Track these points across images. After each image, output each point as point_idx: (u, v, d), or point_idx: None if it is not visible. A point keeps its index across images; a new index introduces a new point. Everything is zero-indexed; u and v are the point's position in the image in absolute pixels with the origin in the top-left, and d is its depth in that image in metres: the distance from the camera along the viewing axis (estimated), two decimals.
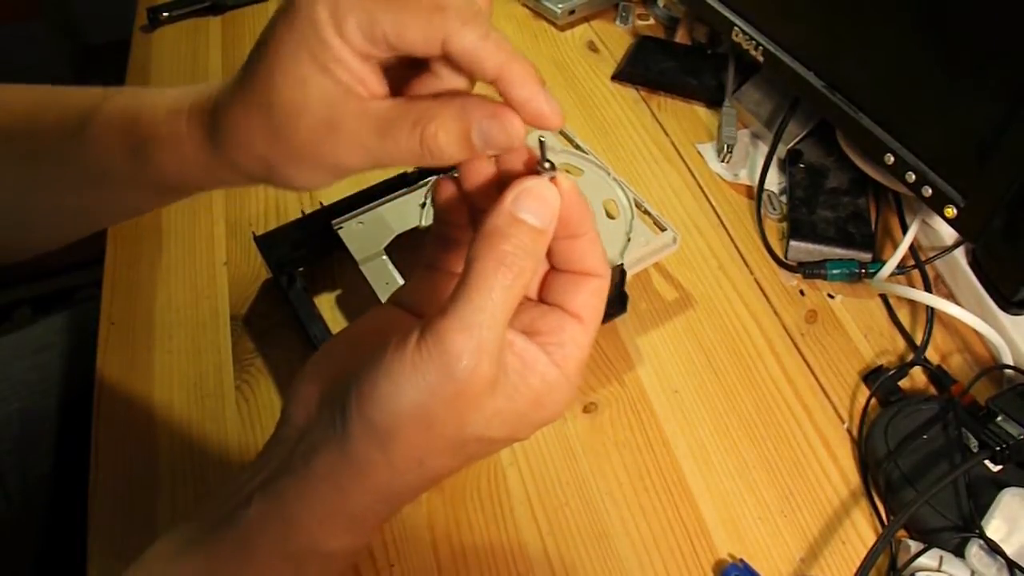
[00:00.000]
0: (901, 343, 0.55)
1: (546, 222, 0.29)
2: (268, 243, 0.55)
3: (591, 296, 0.32)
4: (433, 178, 0.57)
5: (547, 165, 0.30)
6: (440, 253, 0.36)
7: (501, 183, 0.32)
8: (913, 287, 0.56)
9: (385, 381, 0.28)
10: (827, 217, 0.60)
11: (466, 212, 0.35)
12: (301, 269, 0.57)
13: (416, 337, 0.28)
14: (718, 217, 0.63)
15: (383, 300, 0.50)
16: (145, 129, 0.36)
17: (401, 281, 0.51)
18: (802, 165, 0.64)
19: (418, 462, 0.30)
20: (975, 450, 0.45)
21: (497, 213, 0.29)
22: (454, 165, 0.32)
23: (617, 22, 0.82)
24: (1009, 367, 0.51)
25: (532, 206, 0.29)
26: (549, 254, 0.32)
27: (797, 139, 0.65)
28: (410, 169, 0.57)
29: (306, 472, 0.30)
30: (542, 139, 0.32)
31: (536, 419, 0.31)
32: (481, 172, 0.32)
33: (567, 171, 0.57)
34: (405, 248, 0.53)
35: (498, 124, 0.29)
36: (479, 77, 0.30)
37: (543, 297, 0.33)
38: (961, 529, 0.43)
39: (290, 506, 0.30)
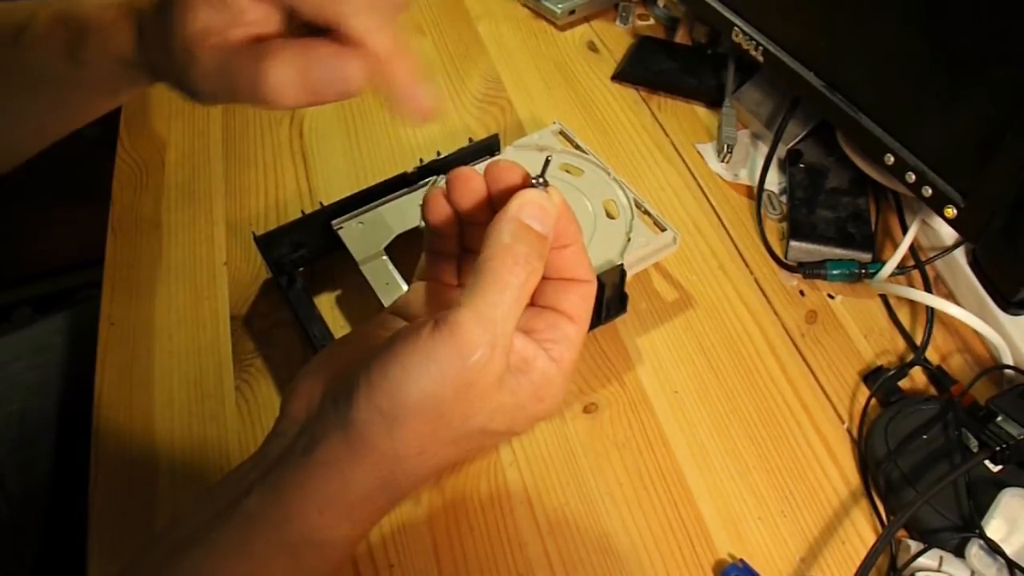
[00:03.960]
0: (901, 343, 0.55)
1: (548, 228, 0.32)
2: (268, 243, 0.55)
3: (581, 299, 0.34)
4: (433, 178, 0.57)
5: (542, 181, 0.34)
6: (434, 266, 0.39)
7: (491, 201, 0.35)
8: (913, 287, 0.56)
9: (396, 368, 0.29)
10: (827, 217, 0.60)
11: (457, 228, 0.37)
12: (301, 269, 0.57)
13: (430, 327, 0.29)
14: (718, 217, 0.63)
15: (383, 300, 0.50)
16: (79, 27, 0.37)
17: (401, 281, 0.51)
18: (802, 165, 0.64)
19: (420, 450, 0.30)
20: (975, 450, 0.45)
21: (507, 220, 0.32)
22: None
23: (617, 22, 0.82)
24: (1009, 367, 0.51)
25: (537, 214, 0.32)
26: (550, 264, 0.34)
27: (797, 139, 0.65)
28: (410, 169, 0.57)
29: (306, 461, 0.31)
30: (549, 157, 0.36)
31: (534, 412, 0.32)
32: (472, 190, 0.35)
33: (567, 171, 0.57)
34: (405, 248, 0.53)
35: (335, 64, 0.29)
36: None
37: (536, 301, 0.35)
38: (961, 529, 0.43)
39: (289, 495, 0.31)
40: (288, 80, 0.29)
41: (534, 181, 0.34)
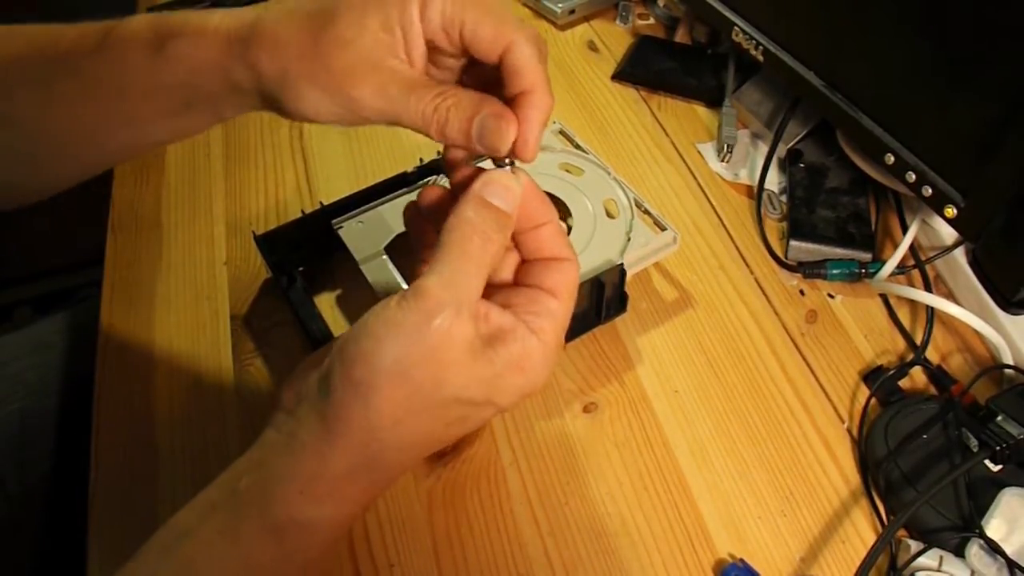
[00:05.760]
0: (901, 343, 0.55)
1: (510, 206, 0.33)
2: (268, 243, 0.55)
3: (563, 276, 0.35)
4: (433, 178, 0.57)
5: (507, 163, 0.34)
6: (419, 269, 0.39)
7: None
8: (913, 287, 0.56)
9: (366, 338, 0.30)
10: (827, 217, 0.60)
11: (431, 232, 0.37)
12: (301, 269, 0.57)
13: (397, 297, 0.30)
14: (718, 217, 0.63)
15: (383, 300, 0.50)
16: (172, 27, 0.37)
17: (401, 280, 0.51)
18: (802, 165, 0.64)
19: (395, 419, 0.30)
20: (975, 450, 0.45)
21: (467, 198, 0.33)
22: (447, 165, 0.37)
23: (617, 22, 0.82)
24: (1009, 367, 0.51)
25: (498, 191, 0.33)
26: (520, 247, 0.35)
27: (797, 139, 0.65)
28: (410, 169, 0.57)
29: (289, 442, 0.31)
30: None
31: (517, 384, 0.32)
32: (442, 206, 0.36)
33: (567, 171, 0.57)
34: (405, 248, 0.53)
35: (497, 123, 0.33)
36: (513, 88, 0.33)
37: (517, 282, 0.36)
38: (961, 529, 0.43)
39: (273, 477, 0.31)
40: (458, 126, 0.33)
41: (502, 163, 0.34)
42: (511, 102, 0.33)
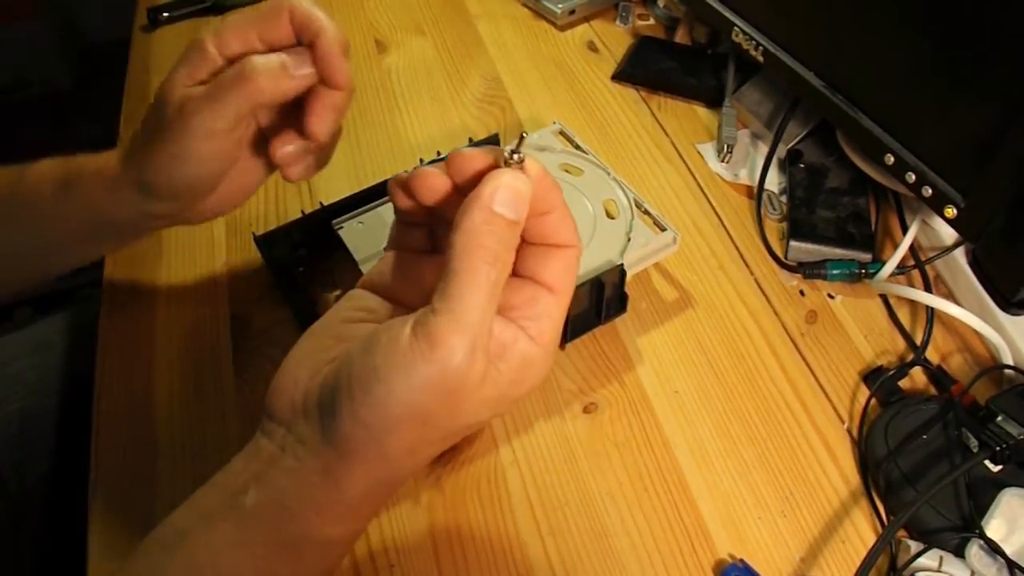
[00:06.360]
0: (901, 343, 0.55)
1: (521, 214, 0.31)
2: (268, 243, 0.55)
3: (563, 267, 0.33)
4: None
5: (516, 157, 0.31)
6: (405, 235, 0.38)
7: (459, 191, 0.33)
8: (913, 287, 0.56)
9: (377, 384, 0.29)
10: (827, 217, 0.60)
11: (426, 208, 0.36)
12: (301, 269, 0.57)
13: (408, 337, 0.29)
14: (718, 217, 0.63)
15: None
16: (76, 164, 0.45)
17: None
18: (802, 165, 0.64)
19: (411, 451, 0.31)
20: (975, 450, 0.45)
21: (477, 209, 0.30)
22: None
23: (617, 22, 0.82)
24: (1009, 367, 0.51)
25: (508, 199, 0.30)
26: (532, 231, 0.33)
27: (797, 139, 0.65)
28: (410, 169, 0.57)
29: (299, 466, 0.31)
30: (524, 133, 0.34)
31: (517, 394, 0.32)
32: (433, 188, 0.34)
33: (567, 171, 0.57)
34: None
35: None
36: (308, 35, 0.39)
37: (516, 270, 0.33)
38: (961, 529, 0.43)
39: (287, 499, 0.31)
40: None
41: (507, 158, 0.31)
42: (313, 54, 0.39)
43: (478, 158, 0.32)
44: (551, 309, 0.32)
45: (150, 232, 0.52)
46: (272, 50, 0.39)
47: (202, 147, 0.39)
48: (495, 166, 0.32)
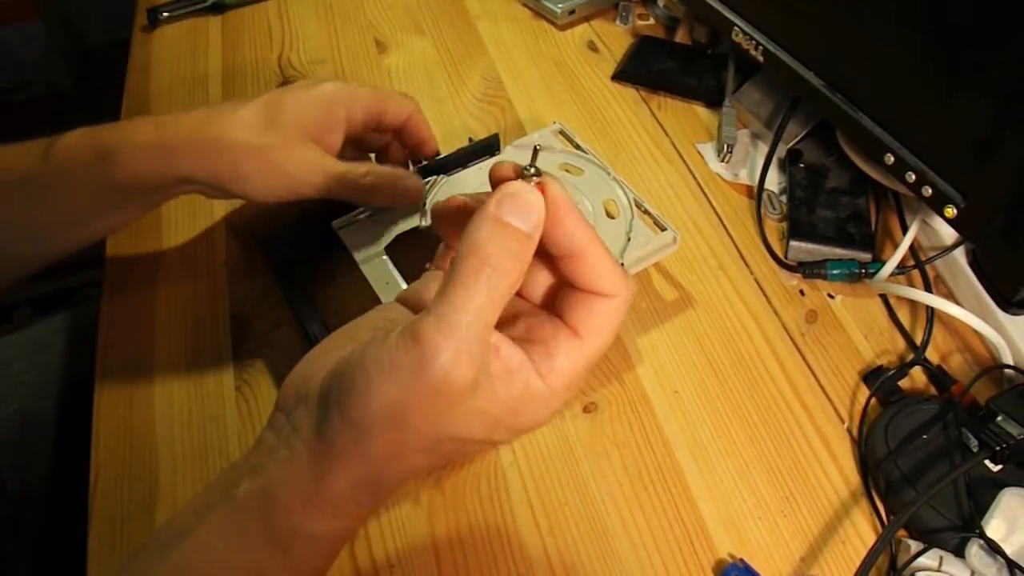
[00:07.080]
0: (901, 343, 0.55)
1: (532, 226, 0.29)
2: (268, 243, 0.55)
3: (592, 315, 0.32)
4: (433, 178, 0.57)
5: (532, 171, 0.30)
6: (443, 257, 0.38)
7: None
8: (913, 287, 0.56)
9: (362, 377, 0.29)
10: (827, 217, 0.60)
11: (453, 235, 0.37)
12: (301, 269, 0.57)
13: (396, 335, 0.29)
14: (718, 217, 0.63)
15: (383, 300, 0.50)
16: (113, 133, 0.47)
17: (401, 280, 0.51)
18: (802, 165, 0.64)
19: (395, 456, 0.30)
20: (975, 450, 0.45)
21: (482, 216, 0.29)
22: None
23: (617, 22, 0.82)
24: (1009, 367, 0.51)
25: (517, 209, 0.29)
26: (561, 271, 0.32)
27: (797, 139, 0.65)
28: (410, 169, 0.57)
29: (290, 455, 0.31)
30: (537, 147, 0.32)
31: (513, 425, 0.31)
32: (456, 203, 0.35)
33: (567, 171, 0.57)
34: (405, 248, 0.53)
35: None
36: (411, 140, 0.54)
37: (551, 306, 0.33)
38: (961, 529, 0.43)
39: (275, 488, 0.31)
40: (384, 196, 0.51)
41: (525, 172, 0.30)
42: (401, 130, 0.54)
43: (504, 168, 0.32)
44: (571, 352, 0.31)
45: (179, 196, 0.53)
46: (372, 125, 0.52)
47: (292, 185, 0.47)
48: (515, 178, 0.31)
